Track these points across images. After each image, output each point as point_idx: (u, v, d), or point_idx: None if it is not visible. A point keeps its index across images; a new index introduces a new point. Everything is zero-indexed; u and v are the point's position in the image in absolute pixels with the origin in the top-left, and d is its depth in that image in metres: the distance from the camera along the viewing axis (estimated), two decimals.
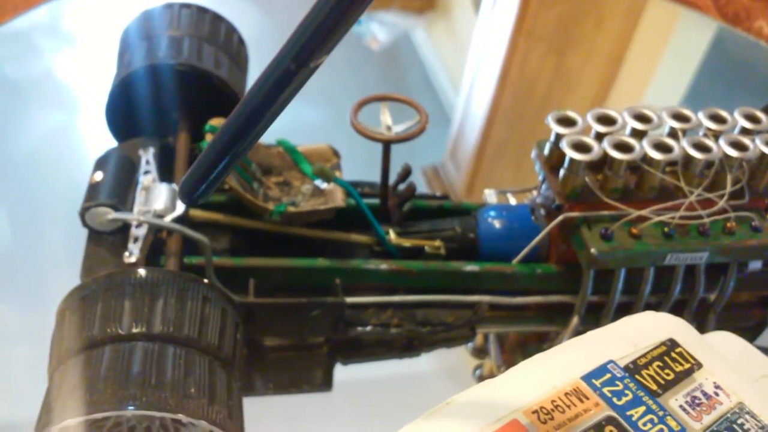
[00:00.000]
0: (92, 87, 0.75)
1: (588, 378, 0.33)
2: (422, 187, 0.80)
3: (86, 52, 0.81)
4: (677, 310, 0.52)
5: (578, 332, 0.51)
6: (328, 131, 0.76)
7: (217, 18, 0.57)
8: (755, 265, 0.51)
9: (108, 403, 0.34)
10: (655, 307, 0.51)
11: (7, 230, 0.64)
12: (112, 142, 0.55)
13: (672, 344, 0.35)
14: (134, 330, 0.37)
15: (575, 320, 0.50)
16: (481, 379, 0.62)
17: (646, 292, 0.50)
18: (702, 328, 0.53)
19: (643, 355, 0.35)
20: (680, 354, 0.35)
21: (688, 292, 0.51)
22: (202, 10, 0.56)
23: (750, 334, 0.57)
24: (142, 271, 0.39)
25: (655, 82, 1.03)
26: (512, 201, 0.56)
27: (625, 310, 0.51)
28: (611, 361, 0.34)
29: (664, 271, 0.49)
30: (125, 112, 0.53)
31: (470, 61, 1.07)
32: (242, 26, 0.61)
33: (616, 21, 1.09)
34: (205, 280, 0.42)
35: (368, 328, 0.48)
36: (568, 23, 1.06)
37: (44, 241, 0.62)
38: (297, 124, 0.75)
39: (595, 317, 0.51)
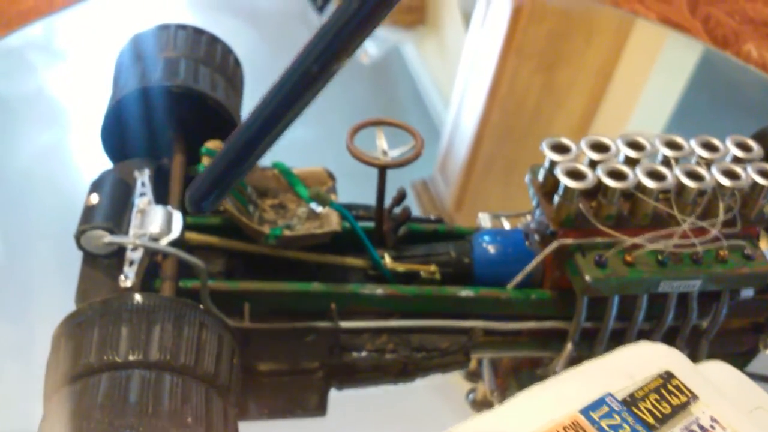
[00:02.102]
0: (85, 105, 0.75)
1: (586, 411, 0.33)
2: (411, 201, 0.80)
3: (80, 69, 0.81)
4: (670, 336, 0.52)
5: (572, 358, 0.51)
6: (318, 147, 0.76)
7: (213, 39, 0.57)
8: (747, 292, 0.51)
9: (103, 431, 0.34)
10: (648, 333, 0.52)
11: None
12: (103, 160, 0.55)
13: (668, 376, 0.36)
14: (131, 358, 0.37)
15: (569, 347, 0.50)
16: (474, 402, 0.62)
17: (639, 319, 0.50)
18: (694, 355, 0.53)
19: (640, 388, 0.35)
20: (676, 386, 0.35)
21: (681, 319, 0.51)
22: (198, 32, 0.56)
23: (742, 360, 0.57)
24: (138, 297, 0.39)
25: (643, 100, 1.04)
26: (506, 225, 0.56)
27: (618, 336, 0.51)
28: (609, 394, 0.34)
29: (657, 298, 0.49)
30: (121, 134, 0.53)
31: (460, 76, 1.07)
32: (237, 46, 0.61)
33: (605, 39, 1.10)
34: (201, 306, 0.42)
35: (363, 353, 0.48)
36: (557, 40, 1.07)
37: (35, 258, 0.62)
38: (285, 139, 0.74)
39: (588, 343, 0.51)
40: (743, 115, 0.95)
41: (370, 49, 1.05)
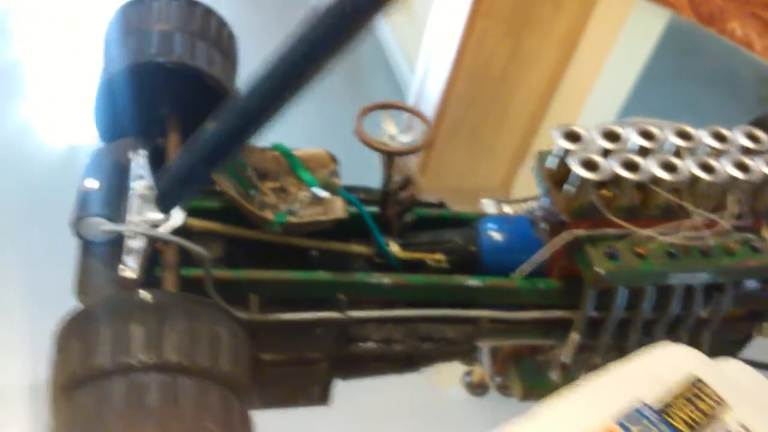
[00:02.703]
0: (67, 76, 0.71)
1: (621, 421, 0.33)
2: (375, 165, 0.78)
3: (63, 38, 0.76)
4: (672, 325, 0.52)
5: (577, 346, 0.51)
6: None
7: (208, 11, 0.54)
8: (751, 283, 0.51)
9: None
10: (652, 323, 0.51)
11: None
12: (73, 135, 0.52)
13: (697, 382, 0.35)
14: (146, 360, 0.35)
15: (575, 336, 0.50)
16: (470, 385, 0.61)
17: (645, 309, 0.50)
18: (696, 344, 0.54)
19: (671, 394, 0.34)
20: (705, 392, 0.35)
21: (685, 309, 0.51)
22: (191, 3, 0.53)
23: (736, 346, 0.58)
24: (149, 295, 0.37)
25: (608, 68, 1.04)
26: (507, 210, 0.55)
27: (622, 325, 0.51)
28: (641, 402, 0.34)
29: (662, 288, 0.49)
30: (113, 111, 0.50)
31: (426, 39, 1.05)
32: (225, 15, 0.58)
33: (573, 3, 1.09)
34: (210, 299, 0.40)
35: (370, 344, 0.47)
36: (526, 4, 1.06)
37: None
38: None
39: (592, 332, 0.51)
40: (707, 83, 0.95)
41: None
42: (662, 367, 0.36)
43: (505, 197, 0.57)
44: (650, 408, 0.33)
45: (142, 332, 0.35)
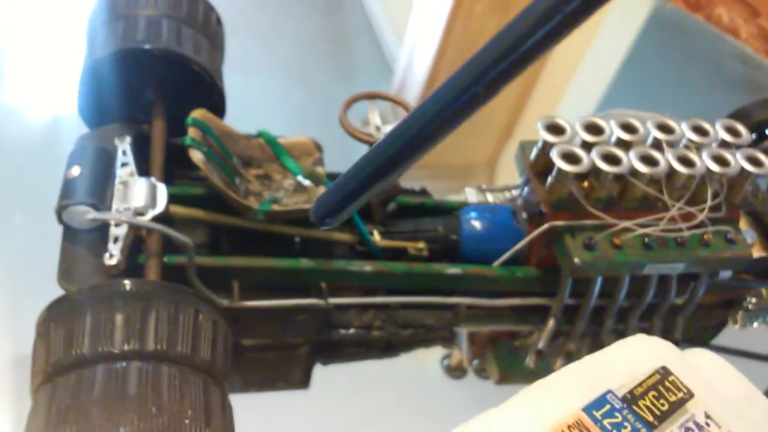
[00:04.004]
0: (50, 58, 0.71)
1: (589, 410, 0.33)
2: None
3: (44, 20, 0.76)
4: (647, 312, 0.53)
5: (553, 333, 0.52)
6: (267, 71, 0.74)
7: None
8: (725, 273, 0.52)
9: (103, 428, 0.33)
10: (627, 311, 0.53)
11: None
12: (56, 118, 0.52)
13: (665, 372, 0.36)
14: (126, 348, 0.35)
15: (551, 323, 0.51)
16: (448, 368, 0.63)
17: (620, 298, 0.51)
18: (670, 331, 0.55)
19: (639, 384, 0.35)
20: (673, 383, 0.36)
21: (659, 297, 0.52)
22: None
23: (711, 333, 0.59)
24: (131, 284, 0.38)
25: (596, 43, 1.04)
26: (490, 198, 0.56)
27: (598, 312, 0.52)
28: (610, 391, 0.35)
29: (638, 276, 0.50)
30: (98, 96, 0.50)
31: (415, 12, 1.05)
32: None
33: None
34: (192, 288, 0.41)
35: (350, 330, 0.48)
36: None
37: None
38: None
39: (569, 318, 0.52)
40: (691, 64, 0.95)
41: None
42: (633, 358, 0.37)
43: (490, 174, 0.58)
44: (616, 396, 0.34)
45: (124, 320, 0.36)
